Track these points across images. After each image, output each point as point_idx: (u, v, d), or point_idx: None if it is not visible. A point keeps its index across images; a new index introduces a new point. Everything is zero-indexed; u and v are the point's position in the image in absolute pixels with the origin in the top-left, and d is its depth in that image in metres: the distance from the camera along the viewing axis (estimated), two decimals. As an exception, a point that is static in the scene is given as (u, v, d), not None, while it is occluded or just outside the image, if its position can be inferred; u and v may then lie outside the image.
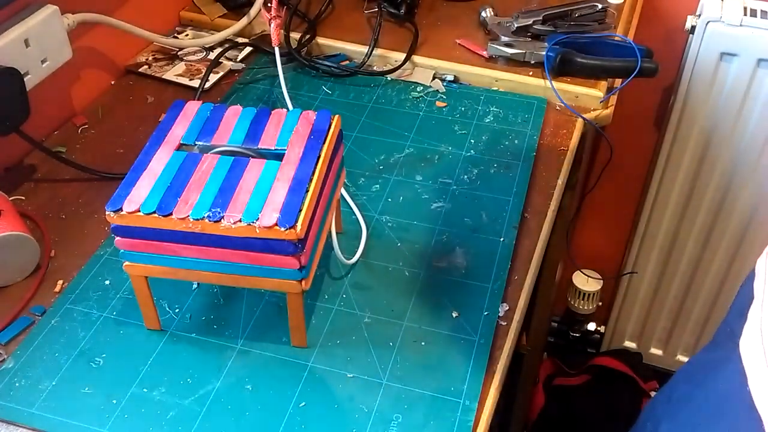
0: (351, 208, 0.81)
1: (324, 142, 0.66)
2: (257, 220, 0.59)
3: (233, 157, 0.65)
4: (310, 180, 0.63)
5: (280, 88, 0.93)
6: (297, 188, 0.62)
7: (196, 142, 0.67)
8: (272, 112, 0.70)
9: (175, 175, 0.63)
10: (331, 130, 0.68)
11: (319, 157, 0.65)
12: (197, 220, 0.60)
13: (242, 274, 0.64)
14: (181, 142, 0.67)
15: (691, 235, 1.44)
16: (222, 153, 0.66)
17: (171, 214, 0.60)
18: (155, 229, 0.61)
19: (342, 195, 0.82)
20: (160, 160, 0.65)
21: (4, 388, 0.65)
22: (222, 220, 0.60)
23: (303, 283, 0.63)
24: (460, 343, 0.69)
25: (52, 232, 0.79)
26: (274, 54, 0.94)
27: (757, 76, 1.22)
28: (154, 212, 0.60)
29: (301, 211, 0.60)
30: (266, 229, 0.59)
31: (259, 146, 0.67)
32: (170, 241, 0.62)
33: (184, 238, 0.61)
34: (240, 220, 0.59)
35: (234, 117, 0.70)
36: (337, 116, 0.69)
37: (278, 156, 0.66)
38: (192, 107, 0.71)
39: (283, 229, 0.59)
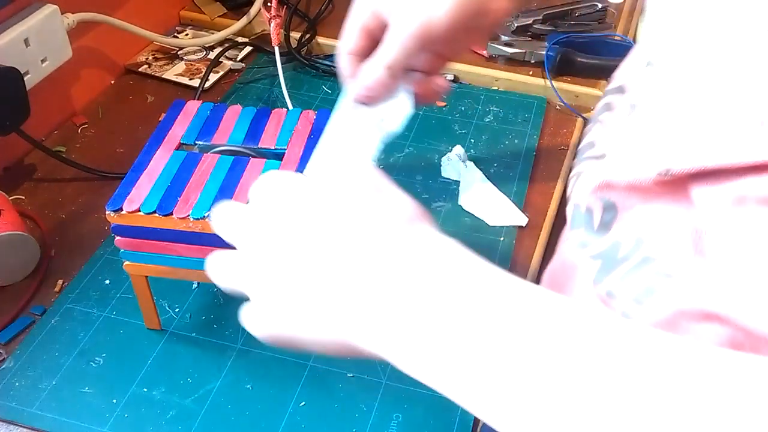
0: (351, 208, 0.81)
1: (324, 142, 0.66)
2: (257, 219, 0.59)
3: (233, 157, 0.65)
4: (310, 180, 0.63)
5: (280, 87, 0.93)
6: (297, 188, 0.62)
7: (196, 142, 0.67)
8: (272, 111, 0.70)
9: (176, 174, 0.63)
10: (331, 130, 0.68)
11: (319, 156, 0.65)
12: (197, 219, 0.60)
13: (242, 273, 0.63)
14: (181, 141, 0.67)
15: (691, 235, 1.44)
16: (222, 152, 0.66)
17: (171, 213, 0.60)
18: (155, 229, 0.61)
19: (342, 195, 0.81)
20: (160, 160, 0.65)
21: (4, 388, 0.65)
22: (222, 219, 0.59)
23: (303, 282, 0.63)
24: (460, 342, 0.68)
25: (52, 232, 0.79)
26: (274, 54, 0.94)
27: (757, 76, 1.22)
28: (155, 212, 0.60)
29: (301, 210, 0.60)
30: (266, 228, 0.59)
31: (259, 146, 0.67)
32: (170, 241, 0.62)
33: (184, 237, 0.61)
34: (240, 220, 0.59)
35: (234, 116, 0.70)
36: (337, 116, 0.69)
37: (278, 155, 0.65)
38: (192, 107, 0.71)
39: (283, 228, 0.59)
